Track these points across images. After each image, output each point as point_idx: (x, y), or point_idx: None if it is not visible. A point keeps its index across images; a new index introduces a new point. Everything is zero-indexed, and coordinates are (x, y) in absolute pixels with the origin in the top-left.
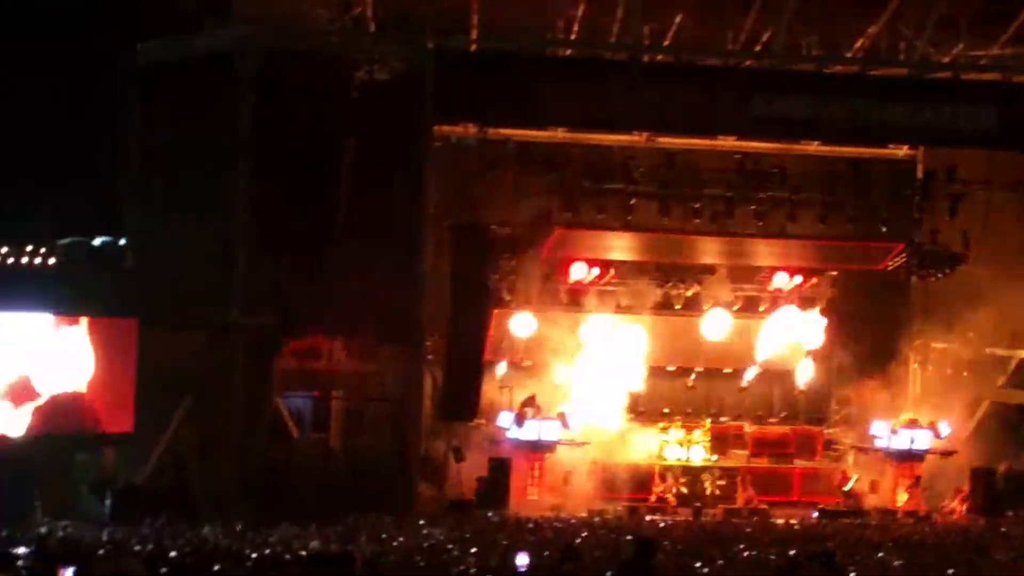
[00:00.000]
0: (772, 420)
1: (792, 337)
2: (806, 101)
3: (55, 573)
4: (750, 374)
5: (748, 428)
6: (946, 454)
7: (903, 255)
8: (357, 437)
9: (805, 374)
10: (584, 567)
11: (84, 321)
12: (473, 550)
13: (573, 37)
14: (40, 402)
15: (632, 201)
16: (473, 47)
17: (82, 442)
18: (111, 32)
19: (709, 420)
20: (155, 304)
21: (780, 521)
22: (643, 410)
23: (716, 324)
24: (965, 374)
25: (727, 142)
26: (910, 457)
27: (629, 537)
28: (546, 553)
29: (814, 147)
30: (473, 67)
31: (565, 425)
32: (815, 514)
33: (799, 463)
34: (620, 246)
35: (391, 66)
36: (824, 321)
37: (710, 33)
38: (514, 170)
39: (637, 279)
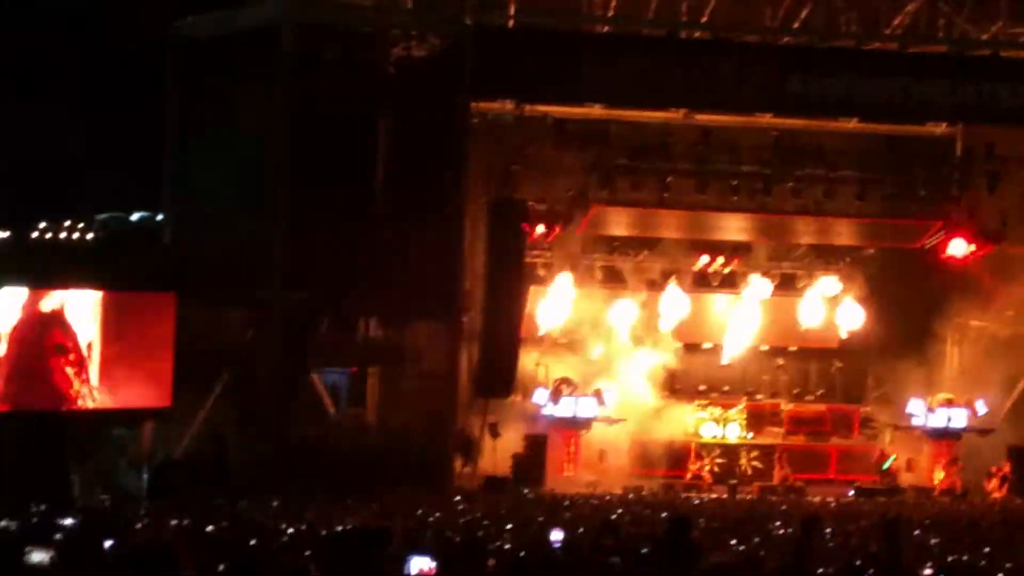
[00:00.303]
0: (809, 398)
1: (829, 315)
2: (844, 78)
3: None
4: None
5: (784, 406)
6: (983, 432)
7: (941, 233)
8: (393, 413)
9: (841, 352)
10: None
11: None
12: (509, 526)
13: (611, 13)
14: None
15: (669, 178)
16: (511, 23)
17: (120, 417)
18: (151, 7)
19: (745, 398)
20: (193, 279)
21: (816, 499)
22: (679, 387)
23: (753, 302)
24: (1002, 352)
25: (764, 119)
26: (947, 435)
27: (664, 514)
28: (581, 530)
29: (852, 124)
30: (511, 43)
31: (601, 402)
32: (851, 492)
33: (836, 441)
34: (657, 223)
35: (429, 42)
36: (861, 299)
37: (748, 10)
38: (551, 147)
39: (674, 256)
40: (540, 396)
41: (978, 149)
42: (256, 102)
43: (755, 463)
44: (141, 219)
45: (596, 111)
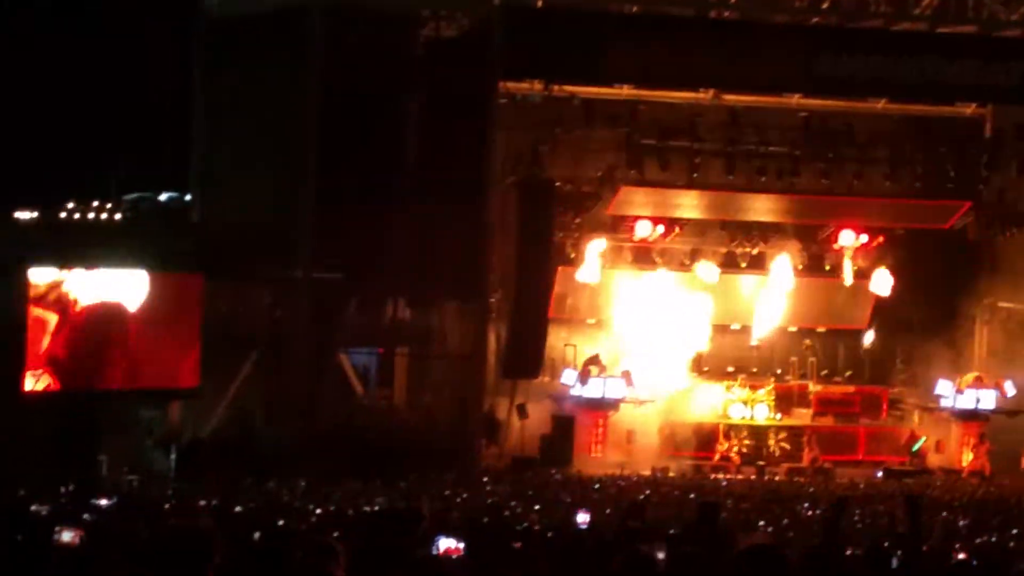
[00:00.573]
0: (837, 379)
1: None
2: (874, 59)
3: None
4: (868, 338)
5: (813, 387)
6: (1012, 414)
7: (970, 214)
8: (421, 393)
9: (870, 333)
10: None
11: None
12: (536, 507)
13: None
14: None
15: (697, 159)
16: (540, 3)
17: (148, 397)
18: None
19: (773, 379)
20: (221, 259)
21: (844, 480)
22: (707, 368)
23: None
24: None
25: (793, 100)
26: (975, 417)
27: (693, 496)
28: (608, 511)
29: (881, 105)
30: (539, 24)
31: (629, 383)
32: (879, 474)
33: (864, 422)
34: (685, 204)
35: (457, 23)
36: (890, 280)
37: None
38: (580, 127)
39: (702, 237)
40: (568, 377)
41: (1007, 130)
42: (285, 83)
43: (783, 444)
44: (169, 199)
45: (624, 91)
